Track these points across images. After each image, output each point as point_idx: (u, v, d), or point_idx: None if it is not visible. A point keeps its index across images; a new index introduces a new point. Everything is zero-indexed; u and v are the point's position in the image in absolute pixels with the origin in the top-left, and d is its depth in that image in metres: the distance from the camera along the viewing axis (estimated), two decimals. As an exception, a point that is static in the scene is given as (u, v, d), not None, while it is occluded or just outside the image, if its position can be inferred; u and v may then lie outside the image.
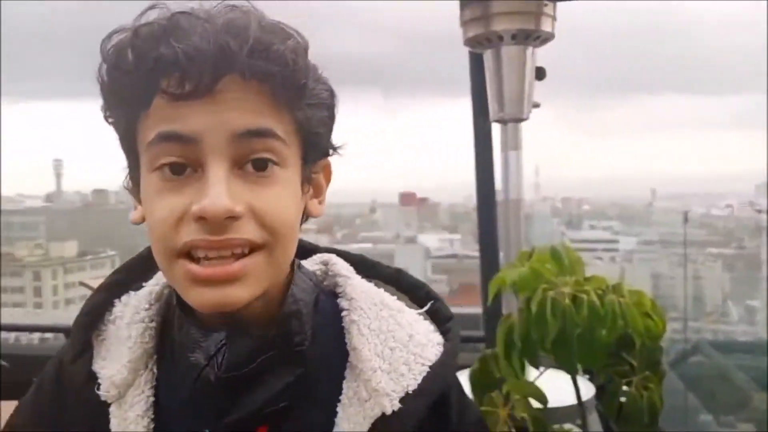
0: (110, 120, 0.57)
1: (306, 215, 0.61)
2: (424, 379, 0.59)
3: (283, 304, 0.58)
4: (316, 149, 0.59)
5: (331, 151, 0.62)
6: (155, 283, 0.64)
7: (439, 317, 0.65)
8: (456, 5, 1.65)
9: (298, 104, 0.55)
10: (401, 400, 0.57)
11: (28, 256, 74.88)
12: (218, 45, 0.50)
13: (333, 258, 0.68)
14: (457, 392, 0.66)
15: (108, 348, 0.62)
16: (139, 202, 0.58)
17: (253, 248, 0.53)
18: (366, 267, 0.68)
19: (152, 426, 0.59)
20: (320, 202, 0.63)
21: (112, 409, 0.59)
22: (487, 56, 1.65)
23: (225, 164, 0.52)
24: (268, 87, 0.53)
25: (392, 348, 0.60)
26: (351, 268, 0.66)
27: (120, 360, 0.60)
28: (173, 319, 0.60)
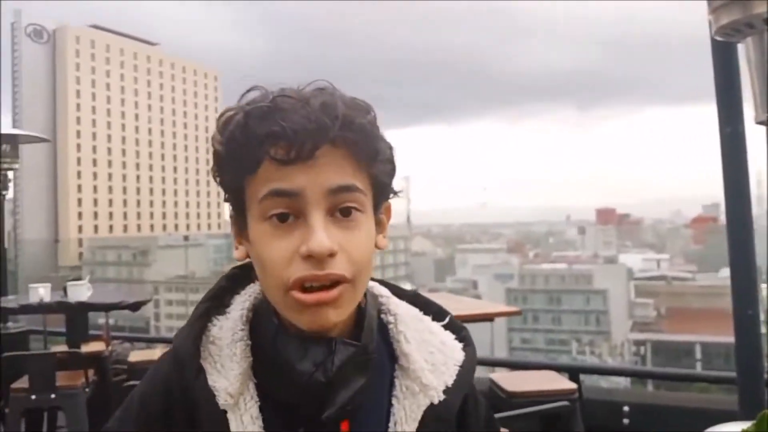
0: (219, 180, 0.73)
1: (376, 247, 0.75)
2: (458, 375, 0.76)
3: (357, 317, 0.74)
4: (384, 195, 0.75)
5: (392, 195, 0.77)
6: (241, 308, 0.76)
7: (455, 327, 0.82)
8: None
9: (373, 163, 0.70)
10: (444, 392, 0.75)
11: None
12: (317, 122, 0.65)
13: (371, 282, 0.80)
14: (472, 391, 0.82)
15: (213, 365, 0.73)
16: (239, 242, 0.74)
17: (344, 281, 0.67)
18: (392, 289, 0.83)
19: (263, 426, 0.71)
20: (384, 236, 0.77)
21: (229, 415, 0.71)
22: (748, 46, 1.37)
23: (322, 213, 0.66)
24: (352, 152, 0.68)
25: (431, 352, 0.77)
26: (387, 290, 0.83)
27: (231, 374, 0.71)
28: (260, 338, 0.74)
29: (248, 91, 0.69)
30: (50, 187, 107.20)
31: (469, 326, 0.84)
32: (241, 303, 0.77)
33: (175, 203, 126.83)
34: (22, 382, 3.26)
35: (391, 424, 0.74)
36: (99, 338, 4.38)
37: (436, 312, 0.83)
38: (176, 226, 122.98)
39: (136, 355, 3.93)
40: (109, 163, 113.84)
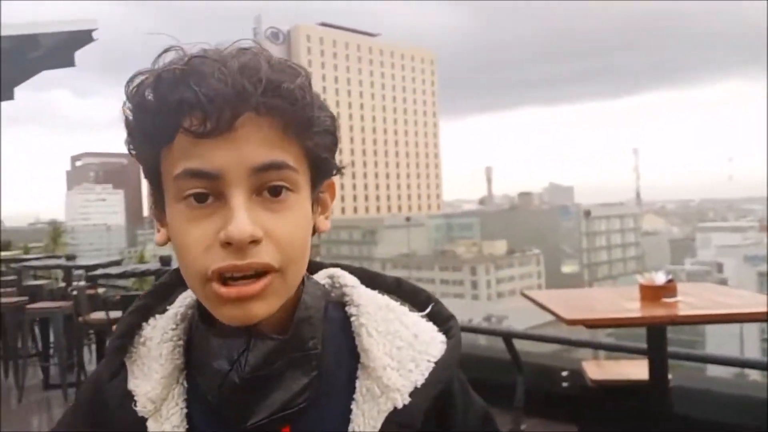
0: (134, 153, 0.63)
1: (315, 231, 0.66)
2: (431, 373, 0.65)
3: (296, 311, 0.64)
4: (322, 172, 0.65)
5: (335, 171, 0.68)
6: (180, 305, 0.70)
7: (440, 318, 0.71)
8: None
9: (307, 134, 0.61)
10: (410, 395, 0.63)
11: (466, 252, 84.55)
12: (235, 87, 0.56)
13: (338, 271, 0.74)
14: (461, 386, 0.71)
15: (140, 367, 0.67)
16: (162, 225, 0.65)
17: (270, 270, 0.58)
18: (368, 278, 0.74)
19: None
20: (326, 218, 0.69)
21: (149, 423, 0.64)
22: None
23: (244, 193, 0.57)
24: (279, 121, 0.58)
25: (399, 347, 0.66)
26: (356, 279, 0.73)
27: (153, 377, 0.65)
28: (194, 340, 0.66)
29: (164, 51, 0.59)
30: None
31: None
32: (182, 299, 0.70)
33: (398, 186, 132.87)
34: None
35: (348, 431, 0.64)
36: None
37: (422, 300, 0.73)
38: (399, 207, 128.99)
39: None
40: (340, 151, 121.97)
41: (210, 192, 0.58)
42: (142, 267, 5.40)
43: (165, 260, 5.25)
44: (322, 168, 0.65)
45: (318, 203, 0.67)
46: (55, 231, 12.26)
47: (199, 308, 0.65)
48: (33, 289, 6.27)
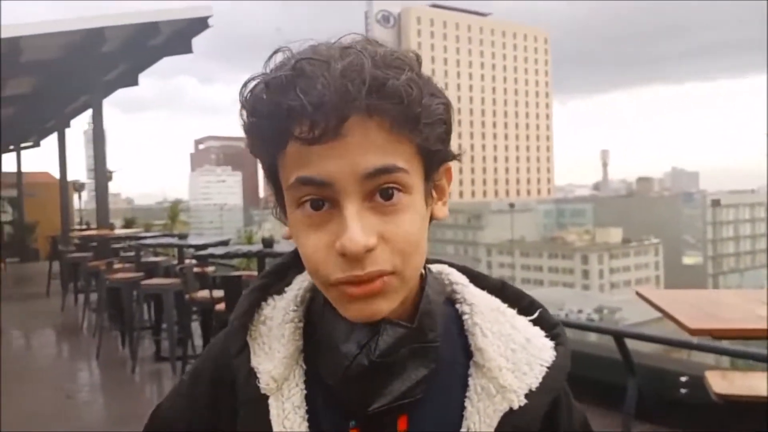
0: (258, 158, 0.65)
1: (432, 219, 0.66)
2: (545, 378, 0.65)
3: (419, 303, 0.65)
4: (436, 163, 0.64)
5: (451, 158, 0.67)
6: (298, 288, 0.71)
7: (547, 324, 0.71)
8: None
9: (416, 130, 0.60)
10: (526, 396, 0.63)
11: (578, 240, 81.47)
12: (339, 92, 0.56)
13: (446, 268, 0.74)
14: (565, 393, 0.71)
15: (261, 346, 0.68)
16: (286, 222, 0.66)
17: (390, 274, 0.59)
18: (473, 277, 0.74)
19: (307, 416, 0.65)
20: (444, 204, 0.68)
21: (271, 401, 0.65)
22: None
23: (357, 200, 0.58)
24: (387, 121, 0.58)
25: (513, 349, 0.66)
26: (465, 277, 0.73)
27: (276, 356, 0.67)
28: (317, 320, 0.68)
29: (274, 53, 0.61)
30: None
31: None
32: (300, 282, 0.72)
33: (506, 169, 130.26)
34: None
35: (463, 428, 0.64)
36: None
37: (526, 305, 0.72)
38: (507, 192, 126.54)
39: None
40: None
41: (324, 199, 0.59)
42: (245, 248, 5.51)
43: (267, 242, 5.31)
44: (435, 158, 0.64)
45: (435, 190, 0.66)
46: (173, 210, 12.95)
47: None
48: (150, 266, 6.61)
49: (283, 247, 5.74)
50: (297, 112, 0.56)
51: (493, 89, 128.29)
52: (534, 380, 0.65)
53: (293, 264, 0.73)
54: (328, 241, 0.59)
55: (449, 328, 0.68)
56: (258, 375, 0.66)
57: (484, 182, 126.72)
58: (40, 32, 8.04)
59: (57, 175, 13.78)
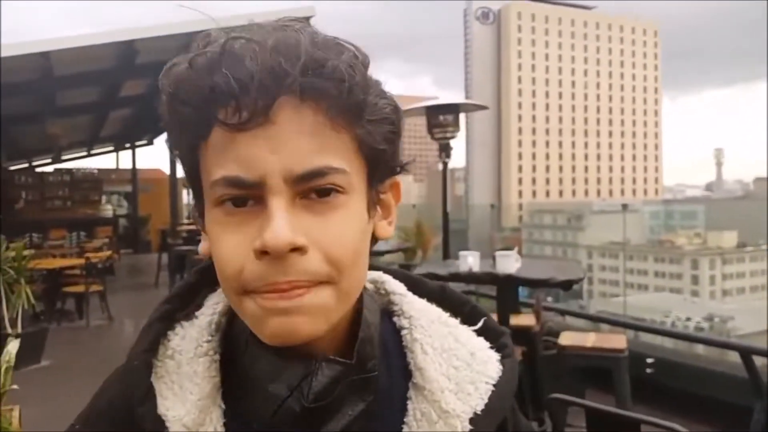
0: (176, 153, 0.57)
1: (375, 238, 0.58)
2: (491, 398, 0.59)
3: (354, 329, 0.57)
4: (381, 167, 0.57)
5: (398, 169, 0.60)
6: (212, 313, 0.61)
7: (493, 333, 0.64)
8: None
9: (359, 121, 0.53)
10: (470, 421, 0.57)
11: (687, 244, 76.89)
12: (269, 66, 0.49)
13: (383, 276, 0.66)
14: (513, 411, 0.66)
15: (169, 386, 0.58)
16: (206, 232, 0.57)
17: (319, 283, 0.51)
18: (412, 284, 0.67)
19: None
20: (389, 223, 0.60)
21: None
22: None
23: (287, 197, 0.51)
24: (324, 106, 0.51)
25: (456, 367, 0.60)
26: (403, 286, 0.66)
27: (189, 398, 0.56)
28: (237, 351, 0.58)
29: (205, 36, 0.53)
30: (495, 156, 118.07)
31: None
32: (213, 305, 0.62)
33: (610, 168, 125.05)
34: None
35: None
36: (533, 308, 4.14)
37: (468, 312, 0.65)
38: (610, 192, 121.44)
39: (567, 338, 3.51)
40: (547, 131, 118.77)
41: (249, 196, 0.52)
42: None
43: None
44: (379, 162, 0.56)
45: (378, 205, 0.58)
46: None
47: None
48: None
49: (378, 245, 5.72)
50: (222, 92, 0.49)
51: (598, 85, 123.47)
52: (479, 401, 0.58)
53: (204, 283, 0.63)
54: (246, 241, 0.51)
55: (386, 346, 0.61)
56: (167, 424, 0.55)
57: (586, 181, 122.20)
58: (155, 35, 8.45)
59: (168, 171, 14.53)
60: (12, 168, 16.32)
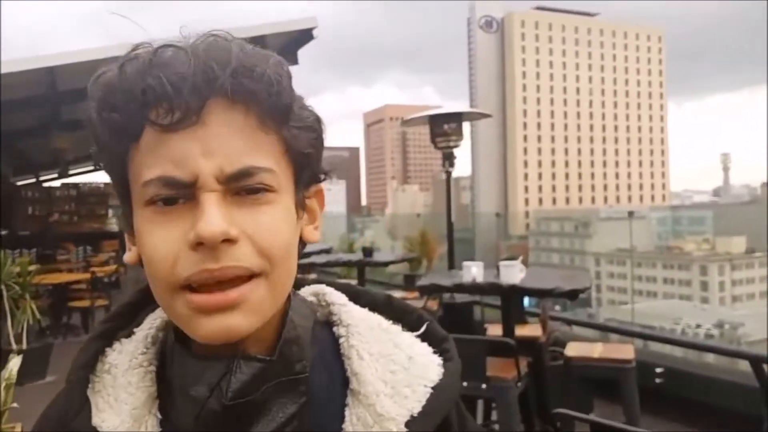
0: (101, 163, 0.58)
1: (302, 242, 0.61)
2: (428, 400, 0.59)
3: (282, 330, 0.58)
4: (306, 170, 0.60)
5: (322, 176, 0.63)
6: (149, 327, 0.63)
7: (435, 338, 0.65)
8: None
9: (286, 124, 0.55)
10: (406, 424, 0.57)
11: (696, 250, 76.40)
12: (201, 68, 0.51)
13: (324, 288, 0.68)
14: (457, 410, 0.66)
15: (105, 399, 0.59)
16: (133, 242, 0.58)
17: (251, 276, 0.53)
18: (355, 295, 0.69)
19: None
20: (315, 228, 0.63)
21: None
22: None
23: (218, 194, 0.53)
24: (254, 108, 0.53)
25: (393, 371, 0.60)
26: (344, 296, 0.67)
27: (123, 408, 0.58)
28: (170, 365, 0.60)
29: (133, 50, 0.54)
30: (501, 164, 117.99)
31: None
32: (151, 321, 0.63)
33: (617, 174, 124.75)
34: (455, 366, 3.15)
35: None
36: (539, 318, 4.10)
37: (414, 320, 0.66)
38: (617, 198, 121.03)
39: (574, 349, 3.46)
40: (552, 139, 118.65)
41: (181, 195, 0.53)
42: (345, 257, 5.52)
43: (367, 251, 5.31)
44: (305, 165, 0.59)
45: (304, 209, 0.61)
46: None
47: (174, 328, 0.58)
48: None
49: (383, 255, 5.75)
50: (155, 94, 0.51)
51: (603, 91, 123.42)
52: (416, 404, 0.58)
53: (144, 302, 0.65)
54: (179, 235, 0.52)
55: (323, 355, 0.62)
56: None
57: (593, 188, 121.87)
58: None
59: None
60: (19, 183, 16.41)
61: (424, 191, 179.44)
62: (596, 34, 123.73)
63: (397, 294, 5.59)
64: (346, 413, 0.59)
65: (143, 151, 0.53)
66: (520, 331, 3.77)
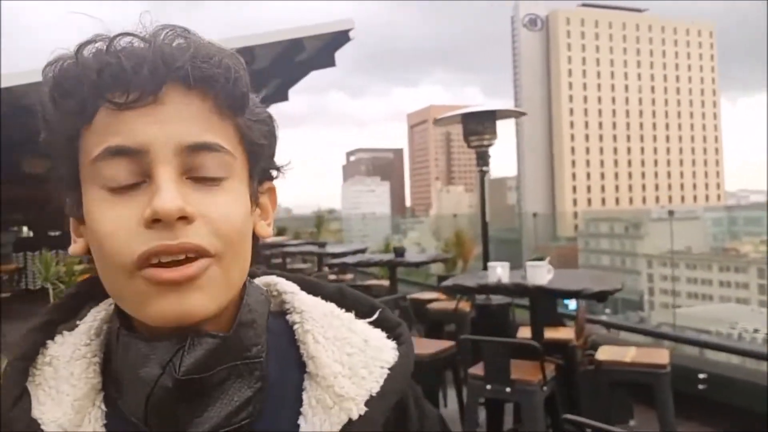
0: (51, 149, 0.57)
1: (255, 237, 0.60)
2: (386, 381, 0.60)
3: (237, 314, 0.58)
4: (260, 161, 0.60)
5: (275, 174, 0.64)
6: (92, 320, 0.61)
7: (389, 324, 0.66)
8: None
9: (242, 114, 0.56)
10: (366, 404, 0.58)
11: (753, 251, 73.48)
12: (161, 53, 0.51)
13: (274, 278, 0.69)
14: (413, 393, 0.67)
15: (47, 391, 0.58)
16: (78, 234, 0.58)
17: (206, 254, 0.52)
18: (308, 286, 0.69)
19: None
20: (268, 224, 0.63)
21: None
22: None
23: (174, 172, 0.52)
24: (211, 94, 0.53)
25: (350, 353, 0.61)
26: (295, 286, 0.67)
27: (64, 400, 0.56)
28: (115, 353, 0.57)
29: (87, 43, 0.54)
30: (547, 163, 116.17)
31: None
32: (95, 314, 0.62)
33: (669, 174, 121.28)
34: (479, 369, 3.07)
35: None
36: (575, 320, 3.98)
37: (367, 309, 0.67)
38: (670, 198, 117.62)
39: (605, 353, 3.33)
40: (600, 137, 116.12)
41: (133, 168, 0.52)
42: (376, 257, 5.48)
43: (398, 251, 5.26)
44: (259, 156, 0.59)
45: (257, 205, 0.61)
46: (318, 219, 13.46)
47: (119, 315, 0.57)
48: (295, 272, 6.80)
49: (413, 256, 5.69)
50: (111, 73, 0.51)
51: (652, 88, 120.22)
52: (374, 384, 0.59)
53: (89, 295, 0.64)
54: (133, 215, 0.51)
55: (278, 342, 0.62)
56: (42, 426, 0.55)
57: (644, 188, 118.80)
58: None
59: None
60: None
61: (469, 192, 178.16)
62: (644, 30, 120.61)
63: (429, 295, 5.59)
64: (304, 396, 0.59)
65: (95, 131, 0.53)
66: (553, 333, 3.66)
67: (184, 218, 0.51)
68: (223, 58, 0.53)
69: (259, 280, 0.68)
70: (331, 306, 0.66)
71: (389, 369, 0.61)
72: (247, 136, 0.57)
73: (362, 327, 0.64)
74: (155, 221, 0.50)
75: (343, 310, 0.66)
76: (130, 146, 0.51)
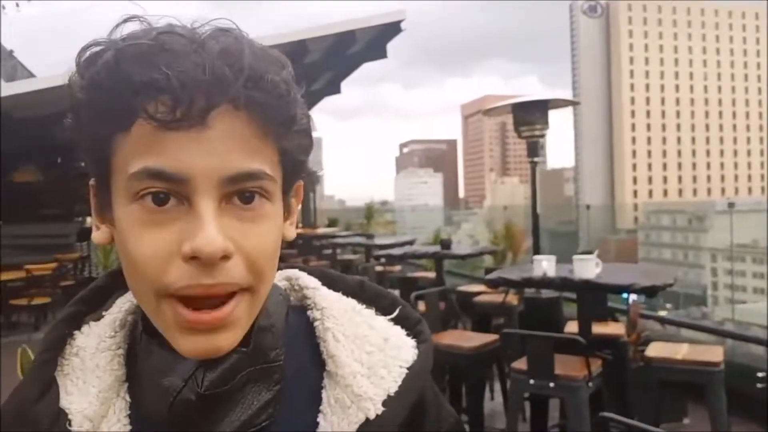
0: (78, 140, 0.55)
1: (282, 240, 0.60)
2: (404, 380, 0.59)
3: (257, 320, 0.57)
4: (296, 176, 0.59)
5: (304, 175, 0.62)
6: (118, 311, 0.62)
7: (409, 321, 0.65)
8: None
9: (288, 135, 0.54)
10: (383, 403, 0.58)
11: (827, 245, 69.74)
12: (215, 74, 0.49)
13: (296, 272, 0.68)
14: (432, 392, 0.67)
15: (74, 381, 0.59)
16: (102, 222, 0.57)
17: (240, 291, 0.52)
18: (329, 280, 0.68)
19: None
20: (291, 224, 0.62)
21: None
22: None
23: (214, 201, 0.51)
24: (260, 118, 0.51)
25: (369, 352, 0.61)
26: (317, 281, 0.67)
27: (90, 391, 0.57)
28: (139, 351, 0.59)
29: (123, 21, 0.51)
30: (607, 154, 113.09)
31: None
32: (120, 305, 0.62)
33: (735, 165, 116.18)
34: (522, 363, 3.02)
35: None
36: (628, 315, 3.87)
37: (387, 305, 0.67)
38: (736, 190, 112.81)
39: (656, 349, 3.21)
40: (663, 127, 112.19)
41: (171, 192, 0.50)
42: (422, 249, 5.46)
43: (445, 244, 5.22)
44: (298, 174, 0.59)
45: (286, 209, 0.60)
46: (368, 211, 13.52)
47: (144, 320, 0.57)
48: (345, 263, 6.91)
49: (461, 248, 5.63)
50: (157, 87, 0.48)
51: (719, 76, 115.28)
52: (392, 384, 0.59)
53: (114, 287, 0.64)
54: (171, 242, 0.50)
55: (297, 339, 0.62)
56: (69, 416, 0.55)
57: (708, 179, 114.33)
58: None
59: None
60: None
61: (524, 183, 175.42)
62: (710, 16, 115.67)
63: (477, 288, 5.52)
64: (323, 395, 0.59)
65: (134, 143, 0.50)
66: (602, 329, 3.57)
67: (225, 257, 0.50)
68: (276, 78, 0.51)
69: (280, 274, 0.67)
70: (352, 302, 0.65)
71: (408, 368, 0.60)
72: (288, 156, 0.55)
73: (382, 324, 0.64)
74: (194, 258, 0.49)
75: (364, 305, 0.65)
76: (172, 173, 0.49)
